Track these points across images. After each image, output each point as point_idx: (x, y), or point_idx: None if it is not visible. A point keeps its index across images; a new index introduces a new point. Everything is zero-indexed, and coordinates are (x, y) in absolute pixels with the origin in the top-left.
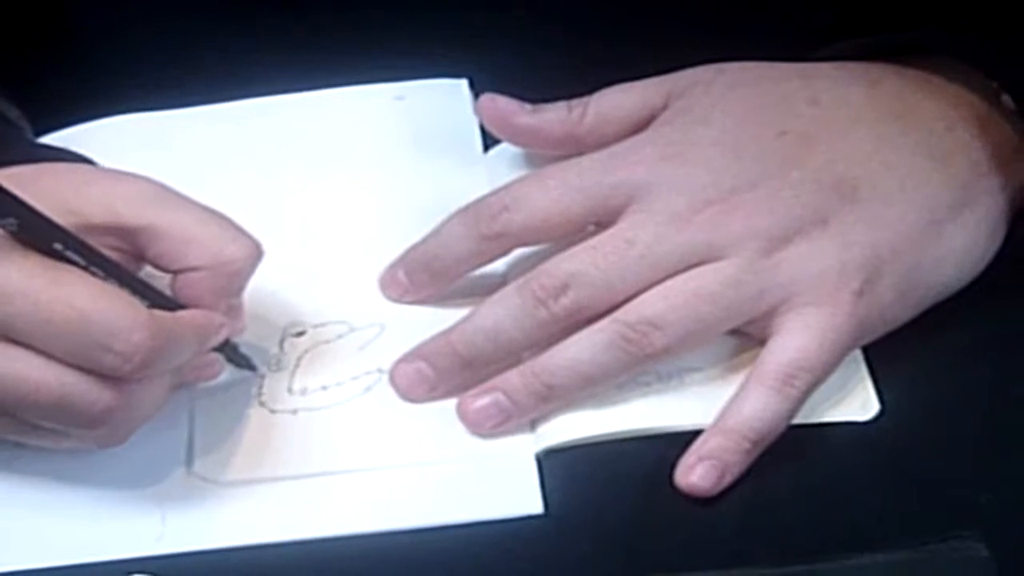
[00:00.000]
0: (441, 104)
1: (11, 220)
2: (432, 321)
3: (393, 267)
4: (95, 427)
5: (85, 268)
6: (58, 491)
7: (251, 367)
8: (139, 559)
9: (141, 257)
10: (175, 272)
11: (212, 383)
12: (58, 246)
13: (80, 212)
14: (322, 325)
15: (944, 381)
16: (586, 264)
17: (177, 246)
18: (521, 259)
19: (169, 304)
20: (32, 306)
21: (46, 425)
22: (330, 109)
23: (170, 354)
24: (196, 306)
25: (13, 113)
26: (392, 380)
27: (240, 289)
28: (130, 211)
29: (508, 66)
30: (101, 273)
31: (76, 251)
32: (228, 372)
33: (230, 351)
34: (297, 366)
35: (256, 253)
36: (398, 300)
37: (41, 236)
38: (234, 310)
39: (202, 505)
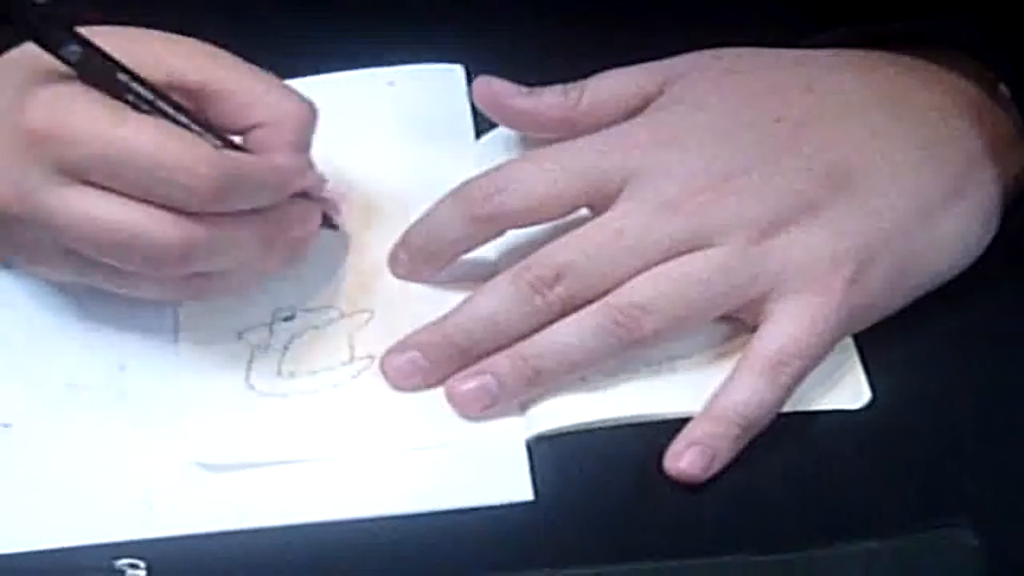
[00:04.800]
0: (434, 90)
1: (75, 48)
2: (421, 308)
3: (396, 247)
4: (175, 264)
5: (151, 104)
6: (44, 475)
7: (333, 226)
8: (125, 543)
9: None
10: (240, 132)
11: (201, 367)
12: (123, 77)
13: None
14: (312, 310)
15: (935, 370)
16: (577, 254)
17: (237, 101)
18: (511, 243)
19: (238, 150)
20: (101, 146)
21: (129, 268)
22: (322, 94)
23: (243, 190)
24: None
25: None
26: (384, 371)
27: (308, 143)
28: (185, 69)
29: (503, 51)
30: (171, 111)
31: (140, 82)
32: (216, 355)
33: None
34: (287, 350)
35: (312, 106)
36: (405, 279)
37: (104, 69)
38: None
39: (189, 489)
